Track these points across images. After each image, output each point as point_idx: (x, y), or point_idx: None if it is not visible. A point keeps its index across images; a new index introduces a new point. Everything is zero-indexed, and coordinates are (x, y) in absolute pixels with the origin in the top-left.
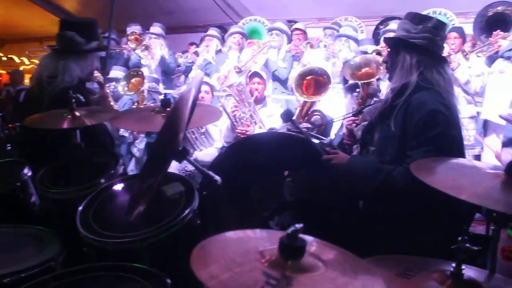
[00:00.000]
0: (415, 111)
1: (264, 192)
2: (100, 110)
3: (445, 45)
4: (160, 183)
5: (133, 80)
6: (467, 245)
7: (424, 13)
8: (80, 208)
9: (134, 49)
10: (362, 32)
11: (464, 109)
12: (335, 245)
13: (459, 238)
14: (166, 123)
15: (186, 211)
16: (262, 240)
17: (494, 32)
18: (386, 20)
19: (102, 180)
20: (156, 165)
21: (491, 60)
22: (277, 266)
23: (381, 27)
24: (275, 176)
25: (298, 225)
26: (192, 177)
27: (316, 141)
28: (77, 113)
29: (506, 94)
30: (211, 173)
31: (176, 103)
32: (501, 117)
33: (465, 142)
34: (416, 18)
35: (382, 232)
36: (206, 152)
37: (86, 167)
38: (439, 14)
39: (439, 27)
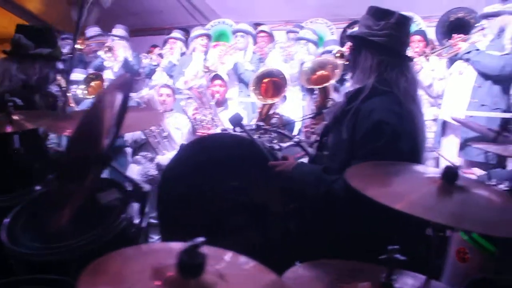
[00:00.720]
0: (364, 120)
1: (218, 192)
2: (40, 114)
3: (409, 48)
4: (92, 190)
5: (92, 84)
6: (396, 255)
7: None
8: (8, 218)
9: (96, 51)
10: (332, 34)
11: (427, 112)
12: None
13: (389, 248)
14: (80, 127)
15: (120, 219)
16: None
17: (454, 35)
18: (353, 23)
19: (38, 187)
20: (76, 171)
21: (451, 62)
22: (173, 285)
23: (348, 30)
24: (228, 176)
25: (198, 239)
26: (154, 182)
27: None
28: (15, 117)
29: (464, 95)
30: (137, 180)
31: (93, 106)
32: (453, 119)
33: (428, 144)
34: (378, 13)
35: (329, 239)
36: (168, 157)
37: (24, 173)
38: None
39: (403, 22)
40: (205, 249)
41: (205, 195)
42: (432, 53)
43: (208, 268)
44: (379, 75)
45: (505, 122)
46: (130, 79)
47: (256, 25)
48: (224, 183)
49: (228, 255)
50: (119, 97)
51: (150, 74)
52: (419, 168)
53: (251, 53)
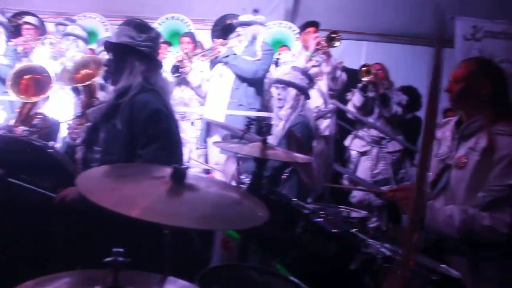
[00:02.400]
0: (140, 110)
1: None
2: None
3: (178, 49)
4: None
5: None
6: (120, 258)
7: (163, 17)
8: None
9: None
10: (107, 31)
11: (196, 111)
12: None
13: (113, 250)
14: None
15: None
16: None
17: (215, 39)
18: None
19: None
20: None
21: (213, 65)
22: None
23: None
24: None
25: None
26: None
27: None
28: None
29: (225, 96)
30: None
31: None
32: (206, 120)
33: (196, 142)
34: (140, 27)
35: None
36: None
37: None
38: (177, 19)
39: (158, 37)
40: None
41: None
42: (194, 55)
43: None
44: (144, 77)
45: (249, 122)
46: None
47: (22, 14)
48: None
49: None
50: None
51: None
52: (150, 168)
53: (4, 45)
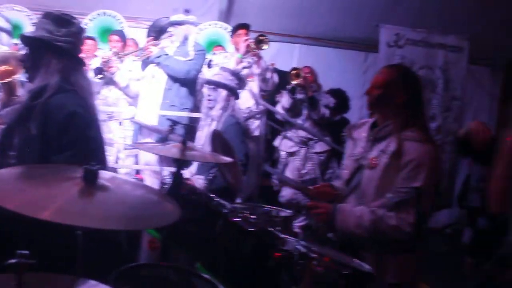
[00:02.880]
0: (56, 112)
1: None
2: None
3: (107, 48)
4: None
5: None
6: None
7: (94, 13)
8: None
9: None
10: (33, 25)
11: (126, 112)
12: None
13: (18, 252)
14: None
15: None
16: None
17: (148, 39)
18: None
19: None
20: None
21: (145, 65)
22: None
23: None
24: None
25: None
26: None
27: None
28: None
29: (157, 96)
30: None
31: None
32: (132, 121)
33: (126, 143)
34: (59, 20)
35: None
36: None
37: None
38: (109, 15)
39: (81, 32)
40: None
41: None
42: (125, 54)
43: None
44: (62, 76)
45: (173, 123)
46: None
47: None
48: None
49: None
50: None
51: None
52: (62, 169)
53: None
